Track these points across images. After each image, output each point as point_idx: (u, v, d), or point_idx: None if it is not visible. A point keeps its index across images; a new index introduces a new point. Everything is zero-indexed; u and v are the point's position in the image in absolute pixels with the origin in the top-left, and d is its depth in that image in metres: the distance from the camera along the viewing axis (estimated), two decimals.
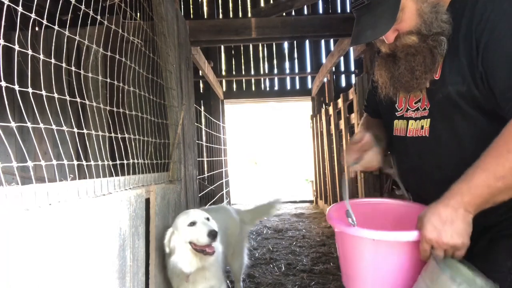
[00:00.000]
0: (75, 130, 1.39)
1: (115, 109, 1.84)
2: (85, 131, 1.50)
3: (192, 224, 2.20)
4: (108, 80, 1.79)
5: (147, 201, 2.03)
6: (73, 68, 1.46)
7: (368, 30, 1.23)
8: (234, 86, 8.99)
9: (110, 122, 2.06)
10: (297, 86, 9.01)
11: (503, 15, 1.08)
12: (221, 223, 2.72)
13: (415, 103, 1.32)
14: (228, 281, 3.05)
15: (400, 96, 1.38)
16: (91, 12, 1.57)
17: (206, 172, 7.80)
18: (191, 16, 7.98)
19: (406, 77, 1.27)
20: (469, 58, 1.13)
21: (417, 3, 1.21)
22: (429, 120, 1.27)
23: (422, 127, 1.29)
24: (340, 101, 5.50)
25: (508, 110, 1.06)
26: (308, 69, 8.77)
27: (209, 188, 7.54)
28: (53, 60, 1.31)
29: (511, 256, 1.14)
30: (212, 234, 2.13)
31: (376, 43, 1.36)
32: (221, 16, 8.20)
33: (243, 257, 3.21)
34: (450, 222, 1.05)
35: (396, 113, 1.41)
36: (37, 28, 1.39)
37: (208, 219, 2.28)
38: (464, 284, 0.98)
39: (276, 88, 9.00)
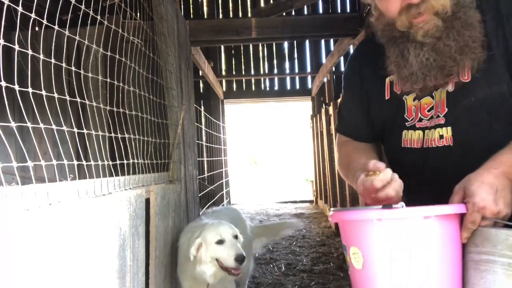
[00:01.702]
0: (75, 130, 1.39)
1: (115, 109, 1.84)
2: (85, 131, 1.50)
3: (220, 242, 2.20)
4: (108, 80, 1.79)
5: (147, 201, 2.03)
6: (73, 68, 1.46)
7: None
8: (234, 86, 9.00)
9: (110, 122, 2.06)
10: (297, 86, 9.01)
11: None
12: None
13: (428, 111, 1.20)
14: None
15: (409, 104, 1.25)
16: (91, 12, 1.57)
17: (206, 172, 7.80)
18: (191, 16, 7.98)
19: (456, 52, 1.07)
20: (504, 52, 1.06)
21: None
22: (449, 128, 1.16)
23: (441, 136, 1.18)
24: (340, 101, 5.49)
25: None
26: (308, 69, 8.78)
27: (209, 188, 7.54)
28: (53, 60, 1.30)
29: None
30: (240, 260, 2.14)
31: (379, 25, 1.18)
32: (221, 16, 8.21)
33: (250, 262, 3.21)
34: (501, 190, 1.00)
35: (406, 123, 1.26)
36: (37, 28, 1.39)
37: (236, 236, 2.28)
38: None
39: (276, 88, 9.00)
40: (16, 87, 1.06)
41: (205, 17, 8.10)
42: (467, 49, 1.07)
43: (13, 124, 1.06)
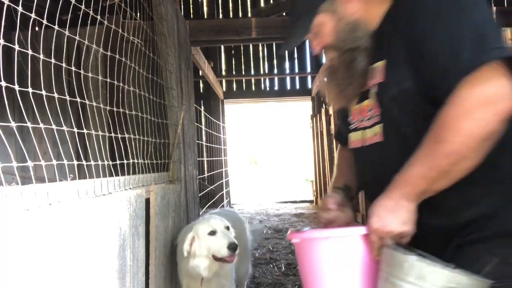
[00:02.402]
0: (75, 130, 1.39)
1: (115, 109, 1.84)
2: (85, 131, 1.50)
3: (212, 233, 2.23)
4: (108, 80, 1.79)
5: (147, 201, 2.04)
6: (73, 68, 1.46)
7: (288, 39, 1.40)
8: (234, 86, 8.99)
9: (110, 122, 2.06)
10: (297, 86, 9.01)
11: (429, 13, 1.13)
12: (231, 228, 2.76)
13: (368, 111, 1.31)
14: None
15: (352, 108, 1.38)
16: (91, 12, 1.57)
17: (206, 172, 7.80)
18: (191, 16, 7.98)
19: (335, 91, 1.35)
20: (407, 55, 1.17)
21: (334, 20, 1.29)
22: (381, 124, 1.26)
23: (375, 133, 1.29)
24: None
25: (442, 95, 1.08)
26: (308, 69, 8.78)
27: (209, 188, 7.54)
28: (53, 60, 1.30)
29: (475, 263, 1.09)
30: (232, 247, 2.17)
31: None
32: (221, 16, 8.21)
33: (249, 263, 3.21)
34: (393, 211, 1.11)
35: (350, 127, 1.41)
36: (37, 28, 1.39)
37: (228, 228, 2.30)
38: (418, 256, 1.03)
39: (276, 88, 9.00)
40: (16, 87, 1.06)
41: (205, 17, 8.10)
42: (344, 84, 1.31)
43: (13, 124, 1.06)
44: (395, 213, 1.11)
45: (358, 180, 1.47)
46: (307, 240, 1.25)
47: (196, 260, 2.24)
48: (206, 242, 2.22)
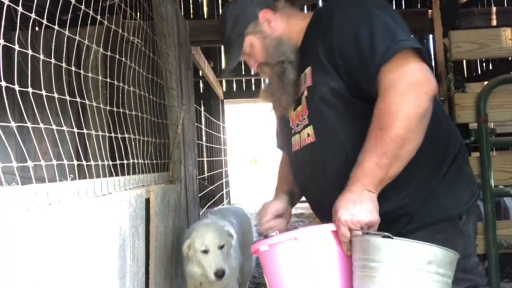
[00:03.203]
0: (75, 130, 1.39)
1: (115, 109, 1.84)
2: (85, 131, 1.50)
3: (205, 252, 2.24)
4: (108, 80, 1.79)
5: (147, 201, 2.04)
6: (73, 68, 1.46)
7: (226, 62, 1.57)
8: (234, 86, 8.99)
9: (110, 122, 2.06)
10: None
11: (346, 22, 1.27)
12: (238, 227, 2.78)
13: (301, 116, 1.43)
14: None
15: (291, 114, 1.50)
16: (91, 12, 1.57)
17: (206, 172, 7.80)
18: (191, 16, 7.98)
19: (273, 102, 1.49)
20: (329, 58, 1.29)
21: (260, 39, 1.46)
22: (311, 126, 1.38)
23: (308, 134, 1.40)
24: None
25: (373, 90, 1.19)
26: None
27: (209, 188, 7.54)
28: (53, 60, 1.30)
29: None
30: (219, 275, 2.18)
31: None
32: None
33: (252, 261, 3.22)
34: (359, 202, 1.16)
35: (292, 131, 1.52)
36: (37, 28, 1.39)
37: (222, 247, 2.28)
38: (392, 237, 1.06)
39: None
40: (16, 87, 1.06)
41: (205, 17, 8.10)
42: (278, 93, 1.45)
43: (13, 124, 1.06)
44: (360, 204, 1.16)
45: (296, 182, 1.57)
46: (275, 246, 1.23)
47: (192, 267, 2.30)
48: (198, 257, 2.25)
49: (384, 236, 1.07)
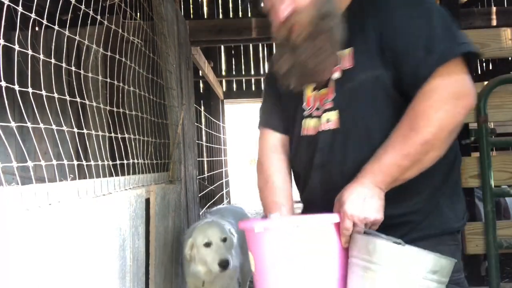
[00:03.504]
0: (75, 130, 1.39)
1: (115, 109, 1.84)
2: (85, 131, 1.50)
3: (208, 245, 2.25)
4: (108, 80, 1.79)
5: (147, 201, 2.04)
6: (73, 68, 1.46)
7: None
8: (234, 86, 8.98)
9: (110, 122, 2.06)
10: None
11: (402, 11, 1.18)
12: (237, 226, 2.77)
13: (325, 99, 1.28)
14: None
15: (307, 94, 1.34)
16: (91, 12, 1.57)
17: (206, 172, 7.80)
18: (191, 16, 7.97)
19: (311, 64, 1.23)
20: (379, 42, 1.19)
21: None
22: (336, 111, 1.25)
23: (328, 120, 1.26)
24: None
25: (415, 87, 1.12)
26: None
27: (209, 188, 7.54)
28: (53, 60, 1.30)
29: None
30: (223, 265, 2.18)
31: (273, 30, 1.31)
32: (221, 16, 8.20)
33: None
34: (369, 198, 1.10)
35: (304, 113, 1.35)
36: (37, 28, 1.39)
37: (225, 239, 2.29)
38: (404, 244, 1.03)
39: None
40: (16, 87, 1.06)
41: (205, 17, 8.10)
42: (325, 55, 1.22)
43: (13, 124, 1.06)
44: (370, 200, 1.11)
45: (297, 167, 1.41)
46: (273, 230, 1.14)
47: (196, 266, 2.29)
48: (201, 252, 2.25)
49: (395, 242, 1.03)
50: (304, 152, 1.36)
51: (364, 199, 1.10)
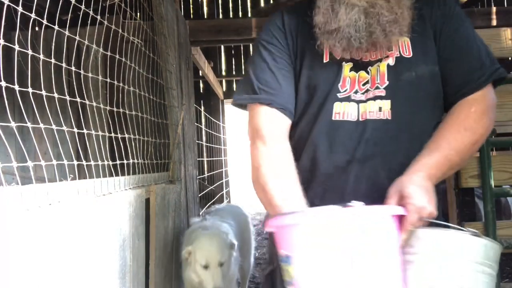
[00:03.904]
0: (75, 130, 1.39)
1: (115, 109, 1.84)
2: (85, 131, 1.50)
3: (205, 267, 2.26)
4: (108, 80, 1.79)
5: (147, 201, 2.04)
6: (73, 68, 1.46)
7: None
8: (234, 86, 8.99)
9: (110, 122, 2.06)
10: None
11: (466, 23, 1.23)
12: (236, 226, 2.79)
13: (363, 84, 1.18)
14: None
15: (344, 74, 1.18)
16: (91, 12, 1.57)
17: (206, 172, 7.80)
18: (191, 16, 7.97)
19: (388, 17, 1.11)
20: (433, 39, 1.20)
21: None
22: (389, 101, 1.16)
23: (380, 108, 1.16)
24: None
25: (459, 94, 1.18)
26: None
27: (209, 188, 7.54)
28: (53, 60, 1.30)
29: None
30: None
31: None
32: (221, 16, 8.20)
33: (251, 260, 3.23)
34: (431, 191, 1.06)
35: (338, 94, 1.17)
36: (37, 28, 1.39)
37: (222, 264, 2.29)
38: (467, 231, 0.99)
39: None
40: (16, 87, 1.06)
41: (205, 17, 8.09)
42: (397, 24, 1.12)
43: (13, 124, 1.06)
44: (432, 194, 1.05)
45: (327, 160, 1.18)
46: (322, 222, 0.91)
47: (190, 274, 2.31)
48: (198, 269, 2.27)
49: (474, 234, 0.98)
50: (338, 141, 1.17)
51: (428, 192, 1.04)
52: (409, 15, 1.15)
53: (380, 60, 1.18)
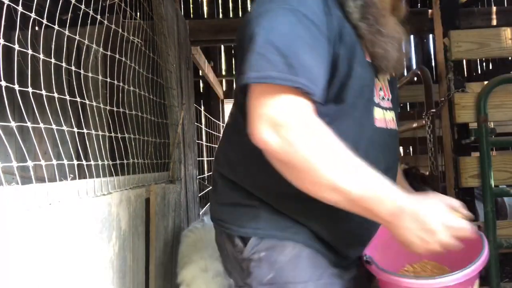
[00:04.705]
0: (75, 130, 1.39)
1: (115, 109, 1.84)
2: (85, 131, 1.50)
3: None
4: (108, 79, 1.79)
5: (147, 201, 2.03)
6: (73, 68, 1.46)
7: None
8: (234, 86, 8.98)
9: (110, 122, 2.06)
10: None
11: None
12: None
13: (387, 94, 1.17)
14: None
15: (379, 81, 1.12)
16: (91, 12, 1.57)
17: (206, 172, 7.81)
18: (191, 16, 7.97)
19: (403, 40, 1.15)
20: None
21: None
22: (393, 113, 1.19)
23: (393, 119, 1.17)
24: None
25: None
26: None
27: (209, 188, 7.54)
28: (53, 60, 1.30)
29: None
30: None
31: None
32: (221, 16, 8.20)
33: None
34: None
35: (375, 99, 1.09)
36: (37, 28, 1.39)
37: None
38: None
39: None
40: (16, 87, 1.06)
41: (205, 17, 8.09)
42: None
43: (13, 124, 1.06)
44: None
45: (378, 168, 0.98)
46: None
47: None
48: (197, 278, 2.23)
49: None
50: (376, 148, 1.08)
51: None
52: None
53: (384, 73, 1.14)
